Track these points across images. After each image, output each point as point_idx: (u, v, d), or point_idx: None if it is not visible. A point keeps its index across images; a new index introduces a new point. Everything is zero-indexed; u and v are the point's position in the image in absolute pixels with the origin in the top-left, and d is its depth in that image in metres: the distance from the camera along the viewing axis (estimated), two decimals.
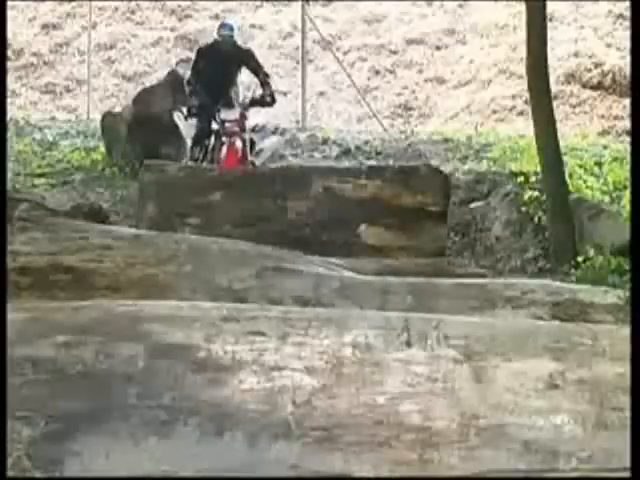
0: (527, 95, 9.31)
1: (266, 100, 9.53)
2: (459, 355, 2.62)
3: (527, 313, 4.96)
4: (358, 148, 11.76)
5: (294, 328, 2.70)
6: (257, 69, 9.68)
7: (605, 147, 11.93)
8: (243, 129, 9.40)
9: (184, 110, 10.01)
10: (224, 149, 9.13)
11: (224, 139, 9.20)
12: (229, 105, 9.63)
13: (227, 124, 9.28)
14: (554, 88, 10.48)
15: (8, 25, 12.23)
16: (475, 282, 5.48)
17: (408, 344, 2.66)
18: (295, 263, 5.59)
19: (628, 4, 11.16)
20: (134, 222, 7.85)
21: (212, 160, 9.39)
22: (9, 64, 14.42)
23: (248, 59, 9.70)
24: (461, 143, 11.95)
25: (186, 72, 11.64)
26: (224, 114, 9.37)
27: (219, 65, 9.47)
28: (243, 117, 9.44)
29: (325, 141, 12.05)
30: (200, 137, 9.66)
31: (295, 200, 7.29)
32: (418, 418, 2.48)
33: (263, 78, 9.57)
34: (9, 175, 9.70)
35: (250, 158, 9.38)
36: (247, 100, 9.80)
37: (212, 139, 9.47)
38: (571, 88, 14.90)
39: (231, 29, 9.68)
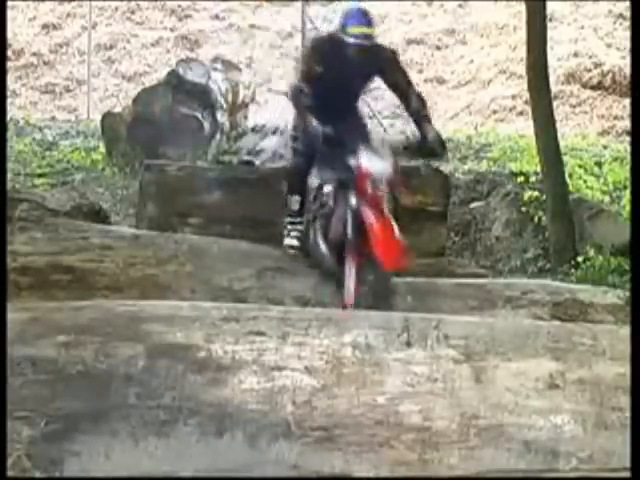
0: (527, 95, 9.30)
1: (432, 147, 5.50)
2: (459, 355, 2.62)
3: (527, 313, 4.96)
4: None
5: (294, 328, 2.70)
6: (403, 84, 5.61)
7: (605, 147, 11.93)
8: (394, 191, 5.37)
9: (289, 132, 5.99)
10: (375, 229, 5.06)
11: (365, 210, 5.15)
12: (363, 140, 5.49)
13: (373, 182, 5.19)
14: (554, 88, 10.48)
15: (8, 25, 12.23)
16: (475, 282, 5.48)
17: (408, 344, 2.66)
18: (295, 263, 5.60)
19: (628, 4, 11.17)
20: (134, 222, 7.86)
21: (322, 234, 5.44)
22: (9, 64, 14.41)
23: (388, 66, 5.58)
24: (461, 143, 11.94)
25: (186, 72, 11.65)
26: (367, 160, 5.23)
27: (343, 74, 5.51)
28: (396, 170, 5.32)
29: None
30: (297, 174, 5.73)
31: None
32: (418, 418, 2.48)
33: (416, 104, 5.57)
34: (9, 175, 9.69)
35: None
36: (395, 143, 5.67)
37: (329, 195, 5.44)
38: (571, 88, 14.89)
39: (369, 23, 5.48)
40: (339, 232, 5.25)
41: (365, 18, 5.47)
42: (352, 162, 5.26)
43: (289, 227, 5.73)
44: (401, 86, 5.59)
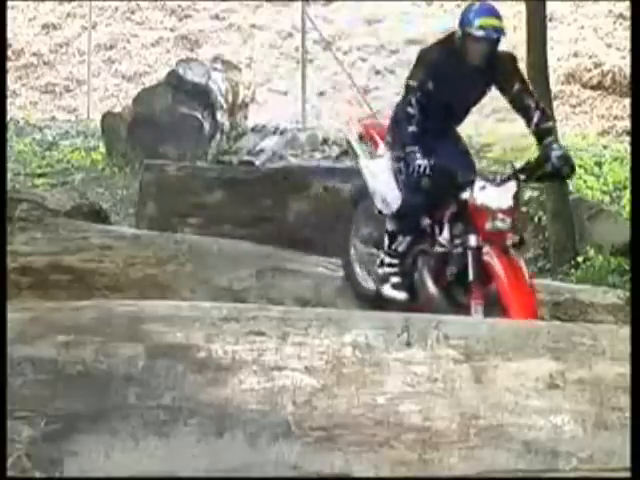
0: None
1: (557, 168, 4.80)
2: (459, 355, 2.62)
3: None
4: None
5: (294, 328, 2.70)
6: (522, 95, 4.93)
7: (605, 147, 11.93)
8: (515, 225, 4.74)
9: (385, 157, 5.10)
10: (502, 278, 4.52)
11: (488, 250, 4.60)
12: (472, 167, 5.04)
13: (493, 217, 4.66)
14: (554, 88, 10.48)
15: (8, 25, 12.24)
16: None
17: (408, 344, 2.66)
18: (295, 263, 5.60)
19: (628, 4, 11.17)
20: (134, 222, 7.86)
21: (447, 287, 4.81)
22: (9, 64, 14.42)
23: (506, 74, 4.94)
24: None
25: (186, 72, 11.65)
26: (483, 193, 4.69)
27: (457, 88, 4.87)
28: (517, 201, 4.77)
29: (325, 141, 12.04)
30: (411, 214, 4.96)
31: (295, 200, 7.29)
32: (418, 418, 2.48)
33: (537, 117, 4.87)
34: (9, 175, 9.70)
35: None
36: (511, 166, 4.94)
37: (442, 233, 4.85)
38: (571, 88, 14.89)
39: (498, 15, 4.81)
40: (456, 274, 4.72)
41: (493, 10, 4.81)
42: (465, 195, 4.69)
43: (387, 270, 4.99)
44: (520, 97, 4.90)
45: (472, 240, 4.65)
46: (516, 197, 4.71)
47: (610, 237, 8.00)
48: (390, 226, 5.00)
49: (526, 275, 4.62)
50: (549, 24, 9.54)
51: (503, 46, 4.99)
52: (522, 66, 9.48)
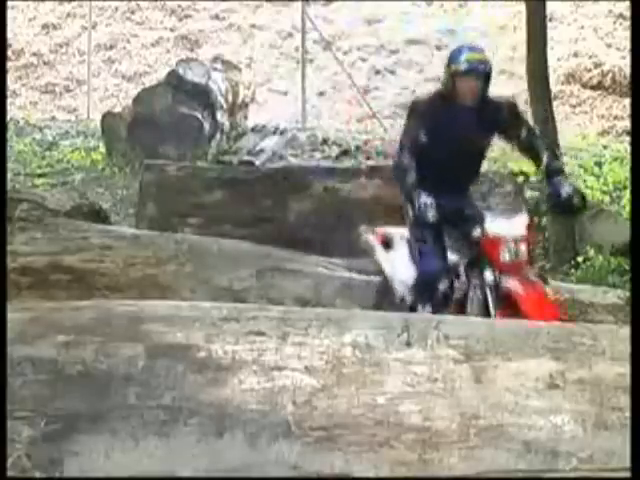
0: (527, 95, 9.31)
1: (568, 204, 4.83)
2: (459, 355, 2.62)
3: None
4: (358, 148, 11.75)
5: (294, 328, 2.70)
6: (528, 138, 4.99)
7: (605, 147, 11.93)
8: (530, 255, 4.84)
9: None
10: (521, 293, 4.49)
11: (507, 280, 4.59)
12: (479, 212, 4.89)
13: (508, 248, 4.61)
14: (554, 88, 10.48)
15: (8, 25, 12.24)
16: None
17: (408, 344, 2.66)
18: (295, 263, 5.61)
19: (628, 4, 11.17)
20: (134, 222, 7.87)
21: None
22: (9, 64, 14.42)
23: (508, 120, 4.98)
24: None
25: (186, 72, 11.65)
26: (494, 224, 4.67)
27: (455, 133, 4.87)
28: (531, 230, 4.90)
29: (325, 141, 12.04)
30: (433, 275, 4.79)
31: (295, 200, 7.29)
32: (418, 418, 2.48)
33: (546, 157, 4.93)
34: (9, 175, 9.70)
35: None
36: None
37: (460, 271, 4.82)
38: (571, 88, 14.90)
39: (481, 50, 5.03)
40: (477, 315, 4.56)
41: (477, 48, 5.03)
42: (476, 233, 4.67)
43: None
44: (529, 141, 4.98)
45: (488, 275, 4.59)
46: (529, 228, 4.73)
47: (610, 237, 8.00)
48: (409, 299, 4.93)
49: (548, 293, 4.58)
50: (549, 24, 9.55)
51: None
52: (522, 66, 9.49)
